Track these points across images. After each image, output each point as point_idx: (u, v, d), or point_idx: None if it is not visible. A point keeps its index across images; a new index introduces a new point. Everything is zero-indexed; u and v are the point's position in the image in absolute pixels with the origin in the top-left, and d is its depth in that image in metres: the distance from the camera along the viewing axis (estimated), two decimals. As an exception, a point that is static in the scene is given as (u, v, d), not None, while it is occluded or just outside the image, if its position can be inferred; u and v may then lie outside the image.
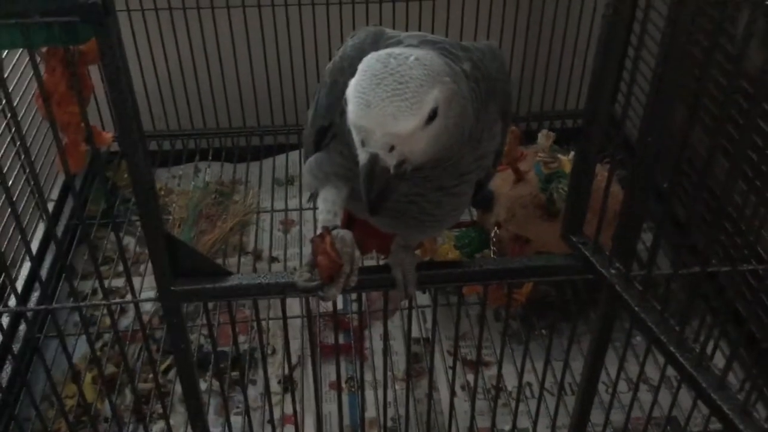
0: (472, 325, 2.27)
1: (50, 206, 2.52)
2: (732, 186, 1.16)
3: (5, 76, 1.74)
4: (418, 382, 2.12)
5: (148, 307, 2.31)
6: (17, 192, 2.14)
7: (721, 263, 1.94)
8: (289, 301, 1.58)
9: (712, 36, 0.98)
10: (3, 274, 1.37)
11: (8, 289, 1.45)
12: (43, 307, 1.52)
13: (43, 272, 2.29)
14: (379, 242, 1.63)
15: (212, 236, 2.51)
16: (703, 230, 1.87)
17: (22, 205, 2.19)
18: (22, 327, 2.03)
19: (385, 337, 1.53)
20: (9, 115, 1.99)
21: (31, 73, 1.11)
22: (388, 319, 1.48)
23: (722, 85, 1.82)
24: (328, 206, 1.28)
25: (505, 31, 2.75)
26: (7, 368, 1.92)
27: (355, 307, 2.30)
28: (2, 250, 1.45)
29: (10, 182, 2.02)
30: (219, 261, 2.30)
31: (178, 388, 1.80)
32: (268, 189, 2.80)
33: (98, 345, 2.20)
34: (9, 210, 1.28)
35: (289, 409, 1.96)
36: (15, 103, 1.85)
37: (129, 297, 1.37)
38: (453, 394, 1.59)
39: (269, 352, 2.21)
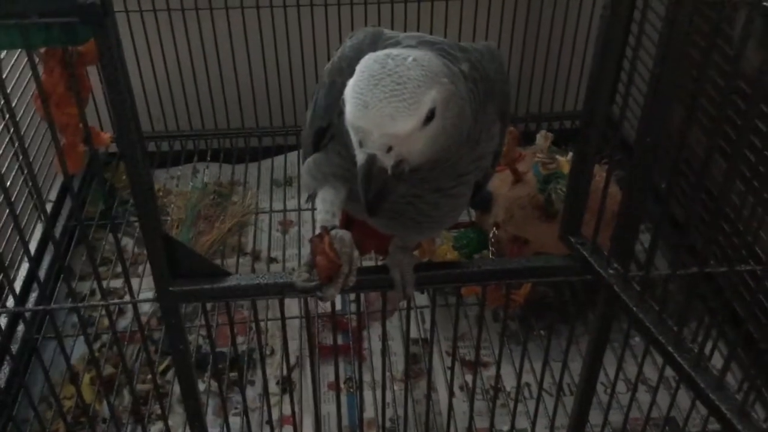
0: (470, 325, 2.27)
1: (48, 207, 2.53)
2: (730, 186, 1.16)
3: (4, 76, 1.75)
4: (416, 382, 2.12)
5: (146, 307, 2.31)
6: (15, 193, 2.14)
7: (719, 264, 1.95)
8: (287, 301, 1.58)
9: (709, 37, 0.98)
10: (1, 275, 1.37)
11: (6, 290, 1.45)
12: (41, 307, 1.51)
13: (42, 273, 2.29)
14: (377, 243, 1.63)
15: (211, 237, 2.51)
16: (701, 231, 1.88)
17: (20, 206, 2.19)
18: (21, 328, 2.03)
19: (384, 337, 1.53)
20: (7, 116, 2.00)
21: (30, 74, 1.11)
22: (386, 319, 1.49)
23: (720, 85, 1.82)
24: (326, 207, 1.28)
25: (503, 32, 2.75)
26: (5, 369, 1.91)
27: (353, 307, 2.30)
28: (0, 250, 1.45)
29: (9, 183, 2.02)
30: (217, 262, 2.30)
31: (177, 388, 1.79)
32: (267, 190, 2.80)
33: (96, 346, 2.20)
34: (7, 211, 1.28)
35: (287, 410, 1.96)
36: (13, 104, 1.85)
37: (127, 298, 1.37)
38: (451, 394, 1.59)
39: (268, 352, 2.21)
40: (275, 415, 1.98)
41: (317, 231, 1.23)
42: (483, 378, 2.13)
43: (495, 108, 1.21)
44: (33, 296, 2.17)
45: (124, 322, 2.29)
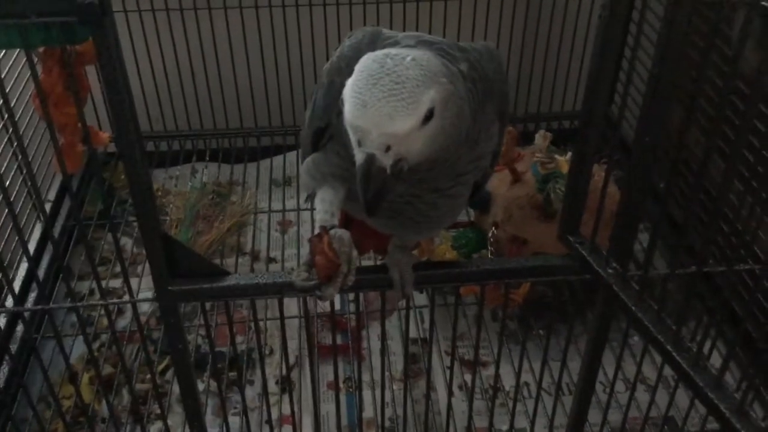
0: (469, 325, 2.27)
1: (47, 207, 2.52)
2: (728, 186, 1.16)
3: (2, 76, 1.75)
4: (415, 382, 2.12)
5: (145, 307, 2.31)
6: (14, 192, 2.14)
7: (717, 263, 1.95)
8: (286, 301, 1.58)
9: (708, 37, 0.98)
10: (0, 275, 1.37)
11: (5, 290, 1.45)
12: (40, 307, 1.51)
13: (41, 273, 2.29)
14: (376, 242, 1.63)
15: (209, 237, 2.51)
16: (699, 230, 1.88)
17: (19, 206, 2.19)
18: (20, 327, 2.03)
19: (383, 337, 1.53)
20: (6, 115, 2.00)
21: (29, 74, 1.11)
22: (385, 319, 1.49)
23: (718, 86, 1.82)
24: (325, 206, 1.28)
25: (502, 32, 2.75)
26: (4, 369, 1.91)
27: (352, 307, 2.30)
28: (-1, 250, 1.45)
29: (8, 183, 2.02)
30: (216, 261, 2.29)
31: (176, 388, 1.79)
32: (266, 190, 2.80)
33: (95, 345, 2.20)
34: (6, 210, 1.28)
35: (286, 410, 1.96)
36: (12, 104, 1.85)
37: (126, 297, 1.37)
38: (450, 394, 1.59)
39: (267, 352, 2.21)
40: (274, 415, 1.98)
41: (316, 231, 1.23)
42: (482, 377, 2.13)
43: (494, 108, 1.21)
44: (32, 296, 2.17)
45: (123, 322, 2.29)
